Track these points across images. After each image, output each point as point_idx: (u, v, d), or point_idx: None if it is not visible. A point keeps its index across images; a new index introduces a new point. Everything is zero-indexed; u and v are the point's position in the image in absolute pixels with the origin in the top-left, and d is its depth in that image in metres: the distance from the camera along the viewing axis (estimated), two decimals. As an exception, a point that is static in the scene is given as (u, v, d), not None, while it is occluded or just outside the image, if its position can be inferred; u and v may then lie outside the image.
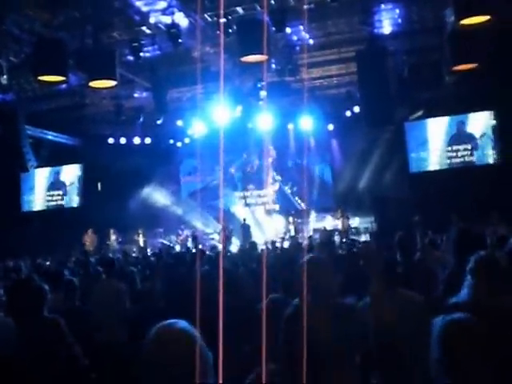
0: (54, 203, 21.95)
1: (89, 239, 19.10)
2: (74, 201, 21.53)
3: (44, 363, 2.63)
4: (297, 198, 20.40)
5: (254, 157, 20.79)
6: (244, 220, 19.08)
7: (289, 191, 20.50)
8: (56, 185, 21.97)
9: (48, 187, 22.04)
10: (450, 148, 17.89)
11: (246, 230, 18.50)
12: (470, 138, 17.69)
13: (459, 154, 17.81)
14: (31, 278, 3.81)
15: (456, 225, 10.97)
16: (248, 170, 21.05)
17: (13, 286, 3.92)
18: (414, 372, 3.40)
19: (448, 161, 17.90)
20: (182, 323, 2.05)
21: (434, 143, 18.05)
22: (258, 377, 2.42)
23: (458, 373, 2.21)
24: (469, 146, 17.67)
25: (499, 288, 3.25)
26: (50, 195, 22.03)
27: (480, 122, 17.56)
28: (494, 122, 17.10)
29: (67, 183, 21.81)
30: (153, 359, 1.88)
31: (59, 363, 2.63)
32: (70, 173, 21.84)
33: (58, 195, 21.92)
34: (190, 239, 18.80)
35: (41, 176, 21.71)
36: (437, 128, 18.09)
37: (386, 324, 3.54)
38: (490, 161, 17.22)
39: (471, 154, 17.64)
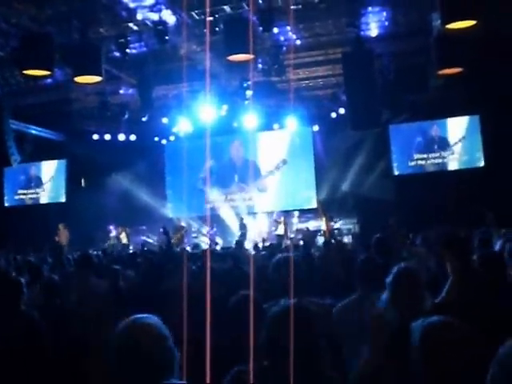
0: (32, 198, 21.73)
1: (62, 234, 18.84)
2: (56, 196, 21.32)
3: (18, 357, 2.61)
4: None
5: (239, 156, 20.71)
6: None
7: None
8: (35, 180, 21.75)
9: (27, 182, 21.80)
10: (432, 151, 18.02)
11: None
12: (451, 142, 17.84)
13: (441, 157, 17.95)
14: (8, 272, 3.78)
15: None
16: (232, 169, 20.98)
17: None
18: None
19: (430, 164, 18.02)
20: (153, 318, 2.07)
21: (417, 146, 18.16)
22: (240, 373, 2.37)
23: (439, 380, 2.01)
24: (450, 150, 17.80)
25: (416, 301, 3.18)
26: (27, 190, 21.77)
27: (462, 127, 17.72)
28: (478, 126, 17.22)
29: (46, 179, 21.59)
30: (121, 351, 1.91)
31: (33, 357, 2.62)
32: (50, 168, 21.61)
33: (36, 191, 21.71)
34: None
35: (22, 171, 21.42)
36: (420, 131, 18.22)
37: None
38: (475, 164, 17.32)
39: (454, 158, 17.78)
